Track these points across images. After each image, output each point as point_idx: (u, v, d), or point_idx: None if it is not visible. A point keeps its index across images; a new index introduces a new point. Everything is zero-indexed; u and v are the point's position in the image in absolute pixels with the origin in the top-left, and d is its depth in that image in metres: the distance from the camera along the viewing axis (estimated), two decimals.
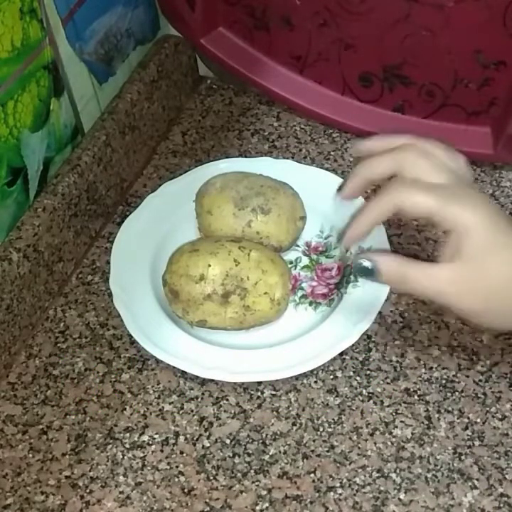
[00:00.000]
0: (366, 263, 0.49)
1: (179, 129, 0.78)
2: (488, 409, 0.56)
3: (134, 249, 0.64)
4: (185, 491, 0.53)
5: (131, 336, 0.60)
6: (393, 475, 0.53)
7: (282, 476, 0.54)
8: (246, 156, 0.74)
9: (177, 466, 0.54)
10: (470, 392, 0.57)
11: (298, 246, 0.66)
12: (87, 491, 0.53)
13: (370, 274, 0.49)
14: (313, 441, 0.55)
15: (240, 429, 0.56)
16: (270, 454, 0.55)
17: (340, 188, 0.54)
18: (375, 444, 0.55)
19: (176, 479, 0.54)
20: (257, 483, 0.53)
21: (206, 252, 0.59)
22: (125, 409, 0.58)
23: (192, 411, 0.57)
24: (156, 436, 0.56)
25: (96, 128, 0.68)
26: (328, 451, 0.54)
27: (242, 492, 0.53)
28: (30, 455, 0.55)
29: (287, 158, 0.72)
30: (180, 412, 0.57)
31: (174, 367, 0.58)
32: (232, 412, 0.57)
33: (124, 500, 0.53)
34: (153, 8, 0.74)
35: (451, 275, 0.47)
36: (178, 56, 0.77)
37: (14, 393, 0.59)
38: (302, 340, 0.59)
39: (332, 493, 0.52)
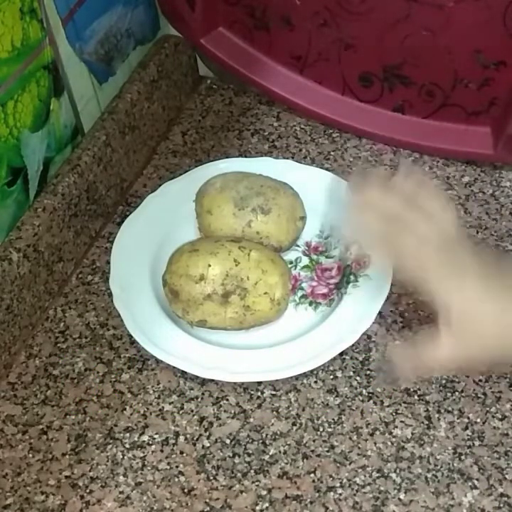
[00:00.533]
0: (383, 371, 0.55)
1: (179, 129, 0.78)
2: (488, 409, 0.56)
3: (134, 249, 0.64)
4: (185, 491, 0.53)
5: (131, 336, 0.60)
6: (393, 475, 0.53)
7: (282, 476, 0.54)
8: (246, 156, 0.74)
9: (177, 466, 0.54)
10: (470, 392, 0.57)
11: (298, 246, 0.66)
12: (87, 491, 0.53)
13: (391, 377, 0.55)
14: (313, 441, 0.55)
15: (240, 429, 0.56)
16: (270, 454, 0.55)
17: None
18: (375, 444, 0.55)
19: (176, 479, 0.54)
20: (257, 483, 0.53)
21: (206, 252, 0.59)
22: (125, 409, 0.58)
23: (192, 411, 0.57)
24: (156, 436, 0.56)
25: (96, 128, 0.68)
26: (328, 451, 0.54)
27: (242, 492, 0.53)
28: (30, 455, 0.55)
29: (287, 158, 0.72)
30: (180, 412, 0.57)
31: (174, 367, 0.58)
32: (232, 412, 0.57)
33: (124, 500, 0.53)
34: (153, 8, 0.74)
35: (451, 351, 0.50)
36: (178, 56, 0.77)
37: (14, 393, 0.59)
38: (302, 340, 0.59)
39: (332, 493, 0.52)
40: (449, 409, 0.56)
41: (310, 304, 0.63)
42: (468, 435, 0.55)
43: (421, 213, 0.53)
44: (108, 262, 0.64)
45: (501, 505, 0.51)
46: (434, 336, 0.51)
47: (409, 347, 0.53)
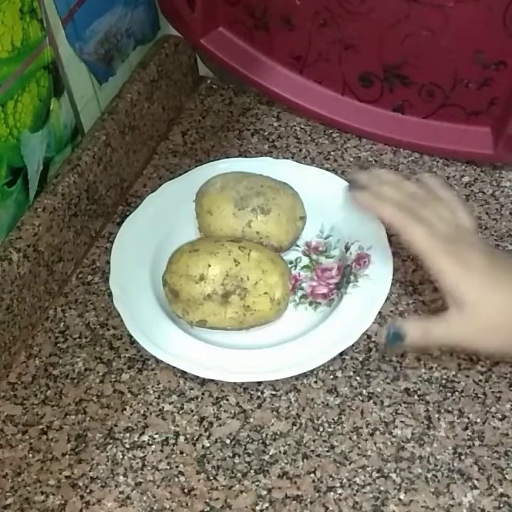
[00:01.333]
0: (395, 330, 0.54)
1: (179, 129, 0.78)
2: (488, 409, 0.56)
3: (134, 249, 0.64)
4: (185, 491, 0.53)
5: (131, 336, 0.60)
6: (393, 475, 0.53)
7: (282, 476, 0.54)
8: (246, 156, 0.74)
9: (177, 466, 0.54)
10: (470, 392, 0.57)
11: (298, 246, 0.66)
12: (87, 491, 0.54)
13: (399, 339, 0.53)
14: (313, 441, 0.55)
15: (240, 429, 0.56)
16: (270, 454, 0.55)
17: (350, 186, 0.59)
18: (375, 444, 0.55)
19: (176, 479, 0.54)
20: (257, 483, 0.53)
21: (206, 252, 0.59)
22: (125, 409, 0.58)
23: (192, 411, 0.57)
24: (156, 436, 0.56)
25: (96, 128, 0.68)
26: (328, 451, 0.54)
27: (242, 492, 0.53)
28: (30, 455, 0.55)
29: (287, 158, 0.72)
30: (180, 412, 0.57)
31: (174, 367, 0.58)
32: (232, 412, 0.57)
33: (124, 500, 0.53)
34: (153, 8, 0.74)
35: (462, 326, 0.52)
36: (178, 56, 0.77)
37: (14, 393, 0.59)
38: (302, 340, 0.59)
39: (332, 493, 0.52)
40: (449, 409, 0.56)
41: (310, 304, 0.63)
42: (468, 435, 0.55)
43: (441, 202, 0.56)
44: (108, 262, 0.64)
45: (501, 505, 0.51)
46: (446, 315, 0.52)
47: (421, 320, 0.55)
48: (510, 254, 0.59)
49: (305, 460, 0.54)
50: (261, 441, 0.55)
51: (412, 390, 0.57)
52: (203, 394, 0.58)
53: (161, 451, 0.55)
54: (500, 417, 0.55)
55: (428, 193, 0.57)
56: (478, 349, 0.54)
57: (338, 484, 0.53)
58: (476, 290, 0.51)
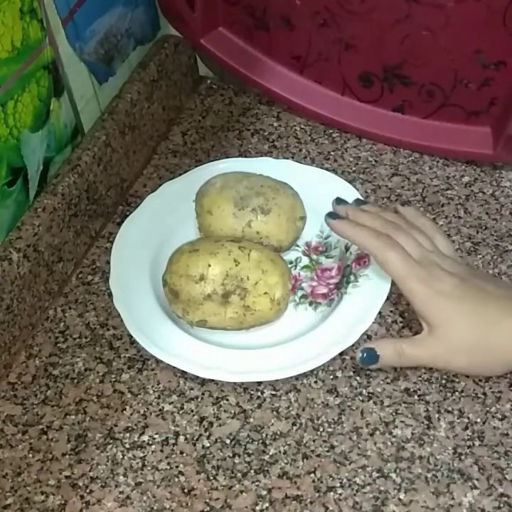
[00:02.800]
0: (366, 351, 0.56)
1: (179, 129, 0.78)
2: (488, 409, 0.56)
3: (134, 249, 0.64)
4: (185, 491, 0.53)
5: (131, 336, 0.60)
6: (393, 475, 0.53)
7: (282, 476, 0.54)
8: (246, 156, 0.74)
9: (177, 466, 0.54)
10: (470, 392, 0.57)
11: (298, 246, 0.66)
12: (87, 491, 0.54)
13: (372, 360, 0.56)
14: (313, 441, 0.55)
15: (240, 429, 0.56)
16: (270, 454, 0.55)
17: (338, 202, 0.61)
18: (375, 444, 0.55)
19: (176, 479, 0.54)
20: (257, 483, 0.53)
21: (206, 252, 0.59)
22: (125, 409, 0.58)
23: (192, 411, 0.57)
24: (156, 436, 0.56)
25: (96, 128, 0.68)
26: (328, 451, 0.54)
27: (242, 492, 0.53)
28: (30, 455, 0.55)
29: (287, 158, 0.72)
30: (180, 412, 0.57)
31: (174, 367, 0.58)
32: (232, 412, 0.57)
33: (124, 500, 0.53)
34: (153, 8, 0.74)
35: (433, 348, 0.55)
36: (178, 56, 0.77)
37: (14, 393, 0.59)
38: (302, 340, 0.59)
39: (332, 493, 0.52)
40: (449, 409, 0.56)
41: (310, 304, 0.63)
42: (468, 435, 0.55)
43: (418, 229, 0.58)
44: (108, 262, 0.64)
45: (501, 505, 0.51)
46: (419, 335, 0.56)
47: (394, 340, 0.57)
48: (486, 276, 0.61)
49: (305, 460, 0.54)
50: (261, 441, 0.55)
51: (412, 390, 0.57)
52: (203, 394, 0.58)
53: (161, 451, 0.55)
54: (500, 417, 0.55)
55: (406, 222, 0.59)
56: (450, 368, 0.56)
57: (338, 484, 0.53)
58: (444, 313, 0.54)
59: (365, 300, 0.60)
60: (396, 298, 0.62)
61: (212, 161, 0.71)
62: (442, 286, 0.54)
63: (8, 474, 0.55)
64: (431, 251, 0.56)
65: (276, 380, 0.58)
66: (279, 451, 0.55)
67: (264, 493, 0.53)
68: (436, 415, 0.56)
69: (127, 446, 0.56)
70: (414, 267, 0.54)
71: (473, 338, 0.53)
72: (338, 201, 0.61)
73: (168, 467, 0.54)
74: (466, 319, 0.54)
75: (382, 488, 0.52)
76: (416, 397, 0.57)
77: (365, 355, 0.55)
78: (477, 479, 0.52)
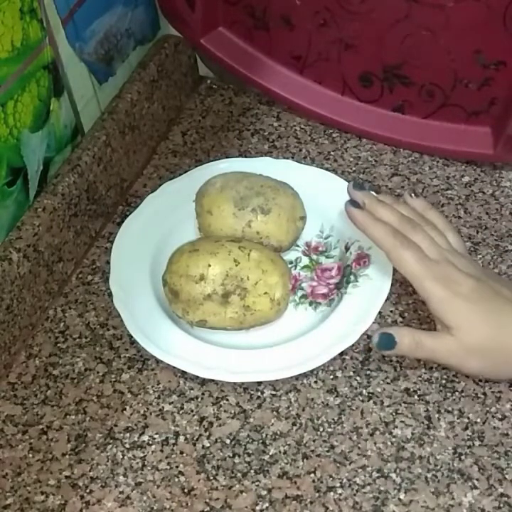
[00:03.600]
0: (385, 336, 0.54)
1: (179, 129, 0.78)
2: (488, 409, 0.56)
3: (134, 249, 0.64)
4: (185, 491, 0.53)
5: (131, 336, 0.60)
6: (393, 475, 0.53)
7: (282, 476, 0.54)
8: (246, 156, 0.74)
9: (177, 466, 0.54)
10: (470, 392, 0.57)
11: (298, 246, 0.66)
12: (87, 491, 0.54)
13: (389, 345, 0.54)
14: (313, 441, 0.55)
15: (240, 429, 0.56)
16: (270, 454, 0.55)
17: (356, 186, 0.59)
18: (375, 444, 0.55)
19: (176, 479, 0.54)
20: (257, 483, 0.53)
21: (206, 252, 0.59)
22: (125, 409, 0.58)
23: (192, 411, 0.57)
24: (156, 436, 0.56)
25: (96, 128, 0.68)
26: (328, 451, 0.54)
27: (242, 492, 0.53)
28: (30, 455, 0.55)
29: (287, 158, 0.72)
30: (180, 412, 0.57)
31: (174, 367, 0.58)
32: (232, 412, 0.57)
33: (124, 500, 0.53)
34: (153, 8, 0.74)
35: (449, 345, 0.54)
36: (178, 56, 0.77)
37: (14, 393, 0.59)
38: (302, 340, 0.59)
39: (332, 493, 0.52)
40: (449, 409, 0.56)
41: (310, 304, 0.63)
42: (468, 435, 0.55)
43: (431, 225, 0.58)
44: (108, 262, 0.64)
45: (501, 505, 0.51)
46: (437, 332, 0.55)
47: (414, 330, 0.56)
48: (499, 278, 0.60)
49: (305, 460, 0.54)
50: (261, 441, 0.55)
51: (412, 390, 0.57)
52: (203, 394, 0.58)
53: (161, 451, 0.55)
54: (500, 417, 0.55)
55: (419, 216, 0.58)
56: (461, 369, 0.55)
57: (338, 484, 0.53)
58: (461, 315, 0.53)
59: (365, 300, 0.60)
60: (396, 298, 0.62)
61: (212, 161, 0.71)
62: (459, 288, 0.53)
63: (8, 474, 0.55)
64: (445, 249, 0.56)
65: (276, 380, 0.58)
66: (279, 451, 0.55)
67: (264, 493, 0.53)
68: (437, 415, 0.56)
69: (127, 446, 0.56)
70: (431, 267, 0.54)
71: (487, 341, 0.53)
72: (355, 185, 0.59)
73: (168, 467, 0.54)
74: (482, 322, 0.53)
75: (382, 488, 0.52)
76: (416, 397, 0.57)
77: (382, 339, 0.54)
78: (477, 479, 0.52)
